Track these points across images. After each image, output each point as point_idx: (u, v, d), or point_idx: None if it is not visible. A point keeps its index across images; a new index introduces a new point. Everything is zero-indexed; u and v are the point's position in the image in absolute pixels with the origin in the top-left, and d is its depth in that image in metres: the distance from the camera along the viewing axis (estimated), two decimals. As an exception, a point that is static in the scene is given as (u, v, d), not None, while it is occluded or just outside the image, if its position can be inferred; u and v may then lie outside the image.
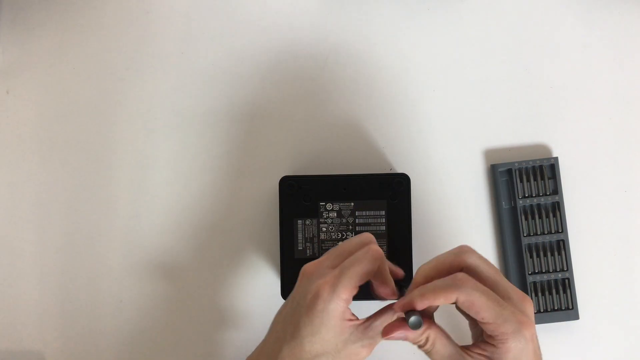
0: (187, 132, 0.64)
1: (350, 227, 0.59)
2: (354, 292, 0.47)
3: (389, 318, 0.49)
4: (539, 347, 0.45)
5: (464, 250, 0.47)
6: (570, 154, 0.63)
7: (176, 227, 0.63)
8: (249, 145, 0.64)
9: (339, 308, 0.47)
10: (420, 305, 0.45)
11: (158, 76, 0.65)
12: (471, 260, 0.46)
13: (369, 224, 0.59)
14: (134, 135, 0.64)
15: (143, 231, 0.63)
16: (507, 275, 0.61)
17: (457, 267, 0.47)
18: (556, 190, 0.62)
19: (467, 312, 0.44)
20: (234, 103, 0.64)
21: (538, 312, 0.61)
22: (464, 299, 0.44)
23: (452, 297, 0.44)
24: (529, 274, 0.61)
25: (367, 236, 0.50)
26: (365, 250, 0.48)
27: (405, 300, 0.46)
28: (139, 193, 0.64)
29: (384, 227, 0.59)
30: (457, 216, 0.63)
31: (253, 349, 0.51)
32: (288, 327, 0.48)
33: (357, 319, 0.49)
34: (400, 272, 0.52)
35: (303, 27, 0.65)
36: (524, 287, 0.61)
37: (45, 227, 0.64)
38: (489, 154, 0.64)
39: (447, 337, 0.47)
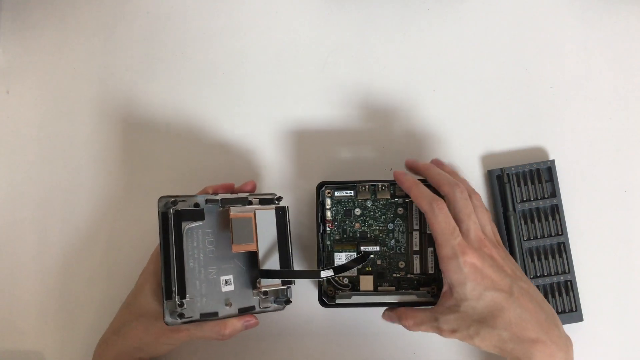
0: (185, 131, 0.64)
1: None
2: None
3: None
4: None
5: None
6: (568, 156, 0.63)
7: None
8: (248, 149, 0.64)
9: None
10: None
11: (158, 77, 0.65)
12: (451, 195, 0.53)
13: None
14: (134, 136, 0.64)
15: (144, 231, 0.63)
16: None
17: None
18: (554, 193, 0.61)
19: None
20: (233, 102, 0.64)
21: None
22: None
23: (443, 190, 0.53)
24: (531, 278, 0.60)
25: None
26: None
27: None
28: (140, 193, 0.64)
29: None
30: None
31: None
32: (129, 295, 0.58)
33: None
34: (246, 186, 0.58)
35: (303, 27, 0.65)
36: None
37: (45, 227, 0.64)
38: (485, 159, 0.63)
39: (414, 310, 0.54)
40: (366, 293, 0.58)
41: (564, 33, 0.64)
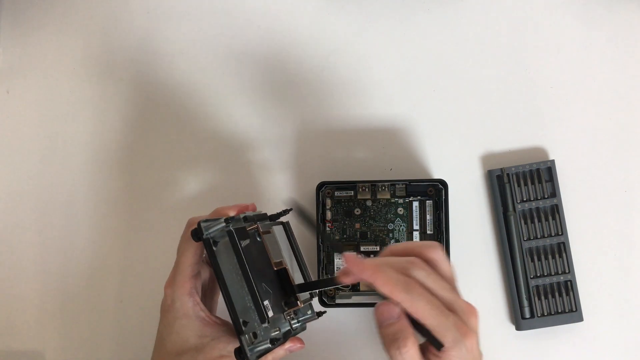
0: (184, 131, 0.64)
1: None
2: (192, 282, 0.51)
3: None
4: (480, 358, 0.45)
5: (433, 245, 0.46)
6: (568, 156, 0.63)
7: (177, 226, 0.63)
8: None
9: (185, 303, 0.50)
10: (359, 274, 0.43)
11: (158, 77, 0.65)
12: (434, 255, 0.45)
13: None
14: (134, 135, 0.64)
15: (144, 231, 0.63)
16: (509, 280, 0.61)
17: (420, 257, 0.45)
18: (554, 193, 0.61)
19: (412, 315, 0.43)
20: (233, 102, 0.64)
21: (542, 315, 0.60)
22: (408, 305, 0.42)
23: (399, 298, 0.42)
24: (531, 278, 0.60)
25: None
26: (181, 240, 0.52)
27: (354, 266, 0.43)
28: (140, 193, 0.64)
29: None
30: (456, 223, 0.62)
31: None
32: (157, 335, 0.53)
33: (219, 320, 0.51)
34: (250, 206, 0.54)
35: (303, 27, 0.65)
36: (527, 291, 0.60)
37: (46, 227, 0.64)
38: (485, 159, 0.63)
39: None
40: (366, 293, 0.59)
41: (564, 33, 0.64)
